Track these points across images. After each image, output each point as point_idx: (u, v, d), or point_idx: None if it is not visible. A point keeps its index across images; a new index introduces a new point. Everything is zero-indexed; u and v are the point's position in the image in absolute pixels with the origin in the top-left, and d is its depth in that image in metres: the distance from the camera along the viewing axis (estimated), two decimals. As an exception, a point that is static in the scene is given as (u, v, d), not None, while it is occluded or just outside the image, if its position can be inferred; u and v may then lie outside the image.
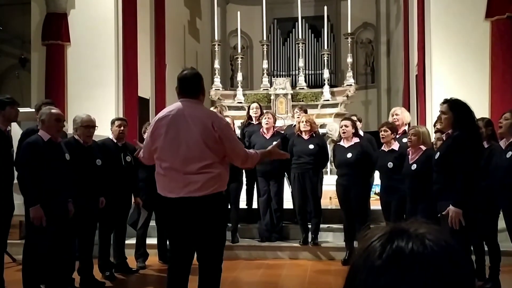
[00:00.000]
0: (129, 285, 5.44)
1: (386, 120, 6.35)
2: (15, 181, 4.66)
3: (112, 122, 5.53)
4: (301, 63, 12.34)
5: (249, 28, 14.80)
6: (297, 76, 12.69)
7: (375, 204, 6.20)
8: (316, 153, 6.15)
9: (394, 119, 5.87)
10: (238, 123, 7.68)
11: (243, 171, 6.52)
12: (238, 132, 6.95)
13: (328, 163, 7.39)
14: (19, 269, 4.84)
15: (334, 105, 11.43)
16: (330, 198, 6.98)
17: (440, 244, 0.75)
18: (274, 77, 13.38)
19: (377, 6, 15.20)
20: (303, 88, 11.90)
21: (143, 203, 5.60)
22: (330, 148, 7.92)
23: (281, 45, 15.97)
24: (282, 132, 6.90)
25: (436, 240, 0.75)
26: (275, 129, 6.55)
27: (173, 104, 3.48)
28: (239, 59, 12.57)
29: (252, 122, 7.04)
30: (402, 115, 5.94)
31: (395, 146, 5.34)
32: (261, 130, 6.49)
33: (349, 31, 11.86)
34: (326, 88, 11.50)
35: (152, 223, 5.98)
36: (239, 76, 12.32)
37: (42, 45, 8.82)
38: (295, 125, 6.73)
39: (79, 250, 4.92)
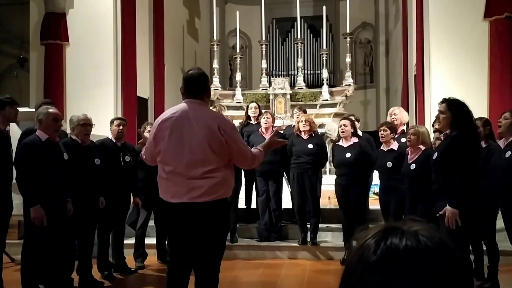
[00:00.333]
0: (128, 285, 5.44)
1: (385, 120, 6.35)
2: (14, 181, 4.66)
3: (111, 122, 5.53)
4: (300, 63, 12.36)
5: (248, 28, 14.80)
6: (296, 76, 12.71)
7: (374, 204, 6.20)
8: (315, 153, 6.16)
9: (393, 118, 5.88)
10: (236, 123, 7.67)
11: (242, 171, 6.53)
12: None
13: (327, 163, 7.40)
14: (17, 269, 4.84)
15: (333, 105, 11.44)
16: (329, 198, 6.98)
17: (434, 240, 0.76)
18: (273, 77, 13.38)
19: (376, 6, 15.21)
20: (302, 88, 11.91)
21: (142, 203, 5.59)
22: (329, 148, 7.93)
23: (280, 45, 15.98)
24: (282, 132, 6.89)
25: (430, 236, 0.76)
26: (274, 129, 6.54)
27: (177, 105, 3.36)
28: (238, 59, 12.57)
29: (250, 122, 7.03)
30: (400, 115, 5.95)
31: (394, 145, 5.34)
32: (260, 129, 6.49)
33: (348, 31, 11.88)
34: (325, 88, 11.51)
35: (151, 223, 5.98)
36: (238, 76, 12.32)
37: (40, 45, 8.81)
38: (294, 125, 6.73)
39: (78, 250, 4.91)
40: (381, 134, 5.39)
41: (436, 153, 4.01)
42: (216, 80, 12.03)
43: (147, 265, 5.85)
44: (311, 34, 15.65)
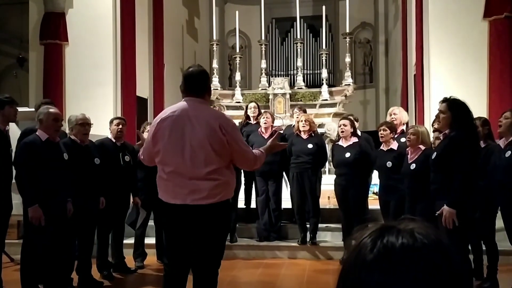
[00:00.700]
0: (127, 284, 5.43)
1: (384, 120, 6.35)
2: (14, 180, 4.66)
3: (111, 122, 5.53)
4: (299, 63, 12.36)
5: (247, 27, 14.80)
6: (295, 76, 12.72)
7: (374, 203, 6.21)
8: (315, 152, 6.16)
9: (392, 118, 5.88)
10: (236, 122, 7.66)
11: (242, 170, 6.53)
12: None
13: (327, 163, 7.40)
14: (17, 268, 4.84)
15: (333, 105, 11.45)
16: (329, 197, 6.99)
17: (430, 238, 0.76)
18: (272, 76, 13.39)
19: (375, 6, 15.21)
20: (301, 88, 11.92)
21: (142, 203, 5.59)
22: (328, 148, 7.93)
23: (280, 45, 15.98)
24: (281, 132, 6.89)
25: (426, 234, 0.77)
26: (273, 129, 6.55)
27: (177, 104, 3.26)
28: (238, 59, 12.58)
29: (250, 122, 7.03)
30: (400, 115, 5.96)
31: (394, 145, 5.34)
32: (259, 129, 6.49)
33: (347, 31, 11.88)
34: (325, 88, 11.52)
35: (151, 223, 5.97)
36: (238, 76, 12.33)
37: (40, 45, 8.81)
38: (294, 125, 6.73)
39: (78, 249, 4.91)
40: (381, 134, 5.39)
41: (435, 153, 4.01)
42: (215, 80, 12.04)
43: (147, 265, 5.85)
44: (311, 34, 15.66)
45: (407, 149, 4.93)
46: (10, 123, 5.08)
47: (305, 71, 14.57)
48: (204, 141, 3.07)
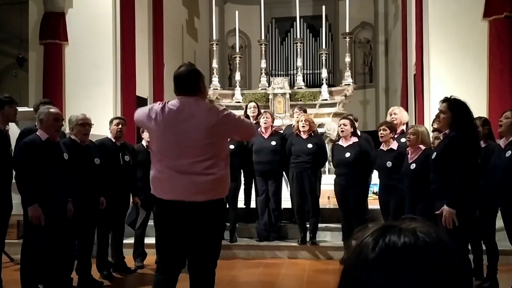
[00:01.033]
0: (127, 284, 5.43)
1: (384, 120, 6.35)
2: (14, 180, 4.65)
3: (111, 121, 5.52)
4: (299, 63, 12.36)
5: (247, 27, 14.80)
6: (295, 76, 12.72)
7: (373, 203, 6.20)
8: (315, 152, 6.16)
9: (392, 118, 5.87)
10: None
11: (241, 170, 6.53)
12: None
13: (327, 163, 7.40)
14: (17, 268, 4.84)
15: (332, 105, 11.45)
16: (328, 197, 6.98)
17: (432, 237, 0.76)
18: (272, 76, 13.38)
19: (375, 5, 15.22)
20: (301, 88, 11.91)
21: (142, 203, 5.59)
22: (328, 147, 7.93)
23: (279, 45, 15.98)
24: (281, 131, 6.90)
25: (428, 232, 0.76)
26: (273, 129, 6.55)
27: (171, 101, 3.23)
28: (237, 59, 12.57)
29: (249, 121, 7.03)
30: (400, 115, 5.95)
31: (394, 145, 5.34)
32: (259, 129, 6.49)
33: (347, 31, 11.88)
34: (324, 88, 11.52)
35: (151, 222, 5.96)
36: (237, 76, 12.32)
37: (40, 45, 8.81)
38: (293, 125, 6.73)
39: (78, 249, 4.91)
40: (381, 134, 5.39)
41: (435, 153, 4.00)
42: (215, 80, 12.04)
43: (146, 264, 5.84)
44: (311, 34, 15.66)
45: (407, 149, 4.92)
46: (10, 123, 5.07)
47: (305, 71, 14.57)
48: (202, 136, 3.06)
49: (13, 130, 5.40)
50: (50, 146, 4.30)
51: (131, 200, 5.60)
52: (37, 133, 4.33)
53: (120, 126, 5.41)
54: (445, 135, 3.93)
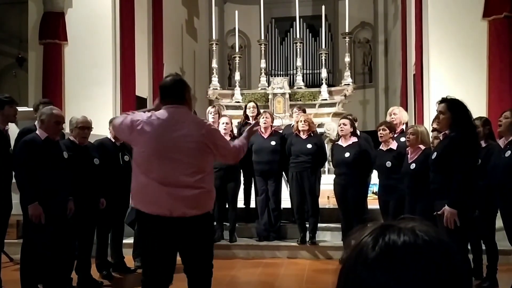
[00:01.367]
0: (126, 284, 5.43)
1: (384, 120, 6.35)
2: (14, 180, 4.65)
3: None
4: (299, 63, 12.35)
5: (246, 27, 14.79)
6: (295, 76, 12.71)
7: (373, 203, 6.20)
8: (314, 152, 6.16)
9: (392, 118, 5.87)
10: (235, 122, 7.68)
11: (241, 170, 6.53)
12: (235, 131, 6.94)
13: (326, 163, 7.40)
14: (16, 268, 4.84)
15: (332, 105, 11.44)
16: (328, 197, 6.98)
17: (431, 235, 0.76)
18: (272, 76, 13.38)
19: (375, 5, 15.21)
20: (301, 88, 11.91)
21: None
22: (328, 147, 7.93)
23: (279, 45, 15.98)
24: (280, 131, 6.90)
25: (427, 231, 0.76)
26: (273, 129, 6.55)
27: (158, 111, 3.13)
28: (237, 59, 12.56)
29: (249, 121, 7.03)
30: (400, 115, 5.95)
31: (393, 145, 5.34)
32: (259, 129, 6.49)
33: (347, 31, 11.88)
34: (324, 88, 11.51)
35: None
36: (237, 76, 12.31)
37: (39, 44, 8.80)
38: (293, 125, 6.73)
39: (78, 249, 4.91)
40: (380, 134, 5.39)
41: (435, 153, 4.00)
42: (215, 80, 12.03)
43: (146, 264, 5.83)
44: (310, 34, 15.66)
45: (407, 149, 4.92)
46: (10, 123, 5.07)
47: (305, 71, 14.56)
48: (192, 146, 2.98)
49: (13, 130, 5.39)
50: (49, 145, 4.30)
51: (130, 200, 5.58)
52: (36, 132, 4.33)
53: (119, 126, 5.40)
54: (445, 135, 3.93)
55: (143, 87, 9.85)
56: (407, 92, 9.94)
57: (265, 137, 6.41)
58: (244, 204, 6.81)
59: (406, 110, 8.02)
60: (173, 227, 2.96)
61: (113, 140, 5.41)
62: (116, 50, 8.70)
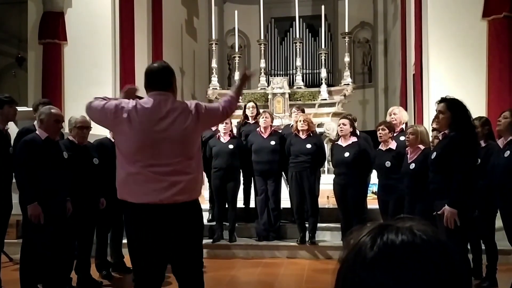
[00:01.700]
0: (126, 284, 5.42)
1: (383, 119, 6.35)
2: (14, 180, 4.65)
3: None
4: (298, 62, 12.35)
5: (246, 27, 14.78)
6: (294, 75, 12.70)
7: (372, 203, 6.20)
8: (314, 152, 6.16)
9: (392, 118, 5.87)
10: (234, 122, 7.67)
11: (241, 170, 6.53)
12: (235, 131, 6.94)
13: (326, 162, 7.39)
14: (16, 268, 4.84)
15: (332, 104, 11.44)
16: (328, 197, 6.98)
17: (429, 234, 0.76)
18: (271, 76, 13.37)
19: (374, 5, 15.22)
20: (300, 87, 11.90)
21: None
22: (327, 147, 7.93)
23: (279, 44, 15.98)
24: (280, 131, 6.90)
25: (425, 230, 0.77)
26: (272, 129, 6.55)
27: (143, 99, 3.04)
28: (237, 58, 12.56)
29: (248, 121, 7.03)
30: (400, 114, 5.95)
31: (393, 145, 5.34)
32: (258, 129, 6.49)
33: (346, 31, 11.87)
34: (324, 87, 11.51)
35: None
36: (237, 76, 12.28)
37: (39, 44, 8.80)
38: (292, 125, 6.73)
39: (77, 249, 4.91)
40: (380, 134, 5.39)
41: (434, 153, 4.00)
42: (214, 80, 12.03)
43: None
44: (310, 34, 15.67)
45: (406, 148, 4.92)
46: (10, 123, 5.07)
47: (304, 71, 14.57)
48: (179, 135, 2.91)
49: (12, 130, 5.39)
50: (49, 145, 4.30)
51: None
52: (36, 132, 4.33)
53: (119, 125, 5.40)
54: (444, 135, 3.93)
55: (142, 87, 9.81)
56: (407, 92, 9.94)
57: (265, 137, 6.41)
58: (244, 204, 6.81)
59: (406, 110, 8.02)
60: (162, 214, 2.86)
61: (113, 140, 5.41)
62: (115, 50, 8.70)
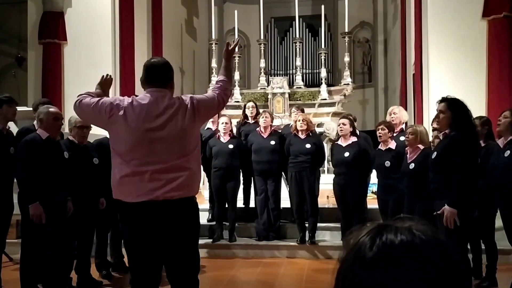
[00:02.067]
0: (126, 284, 5.39)
1: (383, 119, 6.35)
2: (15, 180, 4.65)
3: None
4: (298, 62, 12.35)
5: (246, 27, 14.79)
6: (294, 75, 12.70)
7: (372, 203, 6.21)
8: (313, 152, 6.16)
9: (392, 117, 5.87)
10: (234, 122, 7.67)
11: (240, 170, 6.53)
12: (234, 130, 6.94)
13: (326, 162, 7.39)
14: (16, 268, 4.84)
15: (331, 104, 11.43)
16: (328, 197, 6.98)
17: (428, 234, 0.76)
18: (271, 76, 13.37)
19: (374, 5, 15.22)
20: (300, 87, 11.90)
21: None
22: (327, 147, 7.93)
23: (279, 44, 15.99)
24: (280, 131, 6.90)
25: (424, 230, 0.77)
26: (272, 128, 6.55)
27: (141, 96, 2.98)
28: (237, 58, 12.55)
29: (248, 121, 7.03)
30: (400, 114, 5.96)
31: (392, 145, 5.34)
32: (258, 129, 6.49)
33: (346, 30, 11.87)
34: (324, 87, 11.51)
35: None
36: (237, 75, 12.30)
37: (38, 44, 8.81)
38: (291, 125, 6.73)
39: (77, 249, 4.91)
40: (379, 133, 5.39)
41: (435, 153, 4.00)
42: (214, 80, 12.00)
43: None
44: (310, 33, 15.67)
45: (406, 148, 4.92)
46: (10, 123, 5.07)
47: (304, 71, 14.58)
48: (178, 130, 2.86)
49: (12, 130, 5.39)
50: (50, 145, 4.31)
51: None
52: (37, 132, 4.33)
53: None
54: (445, 134, 3.93)
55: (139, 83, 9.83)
56: (407, 91, 9.94)
57: (265, 136, 6.40)
58: (244, 204, 6.80)
59: (406, 109, 8.02)
60: (158, 211, 2.80)
61: (112, 140, 5.41)
62: (115, 50, 8.70)
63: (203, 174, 6.29)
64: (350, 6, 11.85)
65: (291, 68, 15.11)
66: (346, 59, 11.72)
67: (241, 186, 6.66)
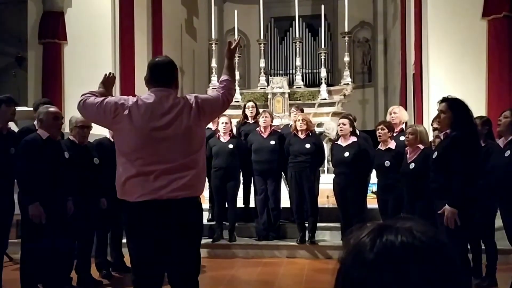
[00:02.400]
0: (126, 284, 5.42)
1: (383, 119, 6.35)
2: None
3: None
4: (298, 62, 12.33)
5: (246, 27, 14.78)
6: (294, 75, 12.69)
7: (372, 203, 6.21)
8: (313, 152, 6.16)
9: (392, 117, 5.88)
10: (234, 122, 7.67)
11: (240, 170, 6.53)
12: (234, 130, 6.95)
13: (325, 162, 7.39)
14: (16, 268, 4.84)
15: (331, 104, 11.42)
16: (327, 197, 6.98)
17: (428, 235, 0.76)
18: (271, 76, 13.36)
19: (374, 5, 15.22)
20: (300, 87, 11.89)
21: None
22: (327, 147, 7.93)
23: (278, 44, 15.98)
24: (279, 131, 6.90)
25: (424, 231, 0.77)
26: (272, 128, 6.56)
27: (144, 95, 2.95)
28: (236, 58, 12.52)
29: (248, 121, 7.03)
30: (400, 114, 5.96)
31: (392, 144, 5.34)
32: (258, 129, 6.49)
33: (346, 30, 11.86)
34: (323, 87, 11.49)
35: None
36: (237, 75, 12.21)
37: (38, 44, 8.81)
38: (291, 124, 6.74)
39: (77, 249, 4.91)
40: (379, 133, 5.39)
41: (436, 153, 4.00)
42: (214, 79, 12.00)
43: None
44: (310, 33, 15.67)
45: (406, 148, 4.93)
46: (10, 123, 5.06)
47: (304, 70, 14.57)
48: (183, 129, 2.84)
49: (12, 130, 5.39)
50: (50, 145, 4.31)
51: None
52: (37, 132, 4.33)
53: (119, 125, 5.40)
54: (445, 134, 3.93)
55: (142, 87, 9.79)
56: (406, 91, 9.94)
57: (265, 136, 6.41)
58: (244, 204, 6.81)
59: (406, 109, 8.03)
60: (162, 210, 2.78)
61: (112, 140, 5.41)
62: (115, 50, 8.70)
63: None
64: (350, 6, 11.84)
65: (291, 68, 15.10)
66: (346, 59, 11.70)
67: (241, 186, 6.67)
